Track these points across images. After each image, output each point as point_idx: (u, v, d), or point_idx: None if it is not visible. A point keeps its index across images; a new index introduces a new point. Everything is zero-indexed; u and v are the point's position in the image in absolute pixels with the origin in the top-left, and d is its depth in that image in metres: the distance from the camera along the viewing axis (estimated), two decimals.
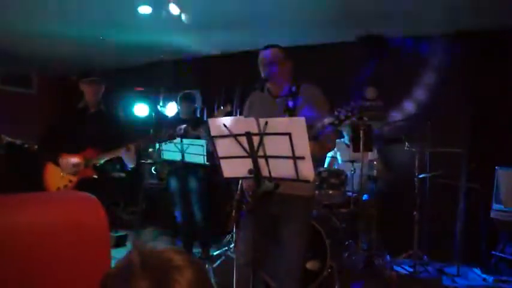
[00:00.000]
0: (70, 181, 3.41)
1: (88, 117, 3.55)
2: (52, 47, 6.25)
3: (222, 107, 4.80)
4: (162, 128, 4.02)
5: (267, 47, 2.73)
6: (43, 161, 3.50)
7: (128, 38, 5.80)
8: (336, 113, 2.26)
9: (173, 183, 4.78)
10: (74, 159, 3.39)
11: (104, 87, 3.61)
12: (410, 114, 5.22)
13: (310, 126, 2.18)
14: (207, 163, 4.27)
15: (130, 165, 3.44)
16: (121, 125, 3.76)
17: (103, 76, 3.63)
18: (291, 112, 2.59)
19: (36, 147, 3.96)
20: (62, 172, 3.41)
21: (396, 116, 5.30)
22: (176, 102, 5.19)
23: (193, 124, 4.55)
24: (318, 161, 4.62)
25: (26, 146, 5.02)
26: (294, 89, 2.68)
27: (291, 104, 2.63)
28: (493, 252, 4.30)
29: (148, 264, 0.82)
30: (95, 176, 3.42)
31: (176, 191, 4.78)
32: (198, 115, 6.06)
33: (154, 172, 4.75)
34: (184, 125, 4.57)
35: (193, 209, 4.73)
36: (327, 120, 2.30)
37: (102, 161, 3.43)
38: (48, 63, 7.15)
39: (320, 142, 2.51)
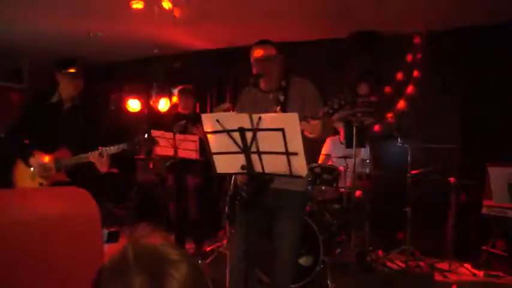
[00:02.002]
0: (40, 184, 3.15)
1: (62, 112, 3.23)
2: (43, 41, 6.19)
3: (221, 104, 4.79)
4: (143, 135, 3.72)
5: (259, 43, 2.72)
6: (14, 157, 3.20)
7: (120, 33, 5.76)
8: (329, 102, 2.26)
9: (170, 178, 4.77)
10: (45, 163, 3.11)
11: (83, 82, 3.25)
12: (402, 110, 5.24)
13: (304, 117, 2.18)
14: (202, 158, 4.25)
15: (103, 169, 3.12)
16: (96, 124, 3.44)
17: (85, 69, 3.26)
18: (282, 106, 2.58)
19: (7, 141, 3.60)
20: (32, 174, 3.13)
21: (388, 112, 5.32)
22: (176, 96, 5.10)
23: (193, 120, 4.47)
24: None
25: None
26: (283, 83, 2.68)
27: (282, 97, 2.62)
28: (484, 248, 4.34)
29: (143, 259, 0.82)
30: (68, 179, 3.16)
31: (172, 186, 4.77)
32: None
33: (152, 167, 4.73)
34: (184, 121, 4.53)
35: (188, 204, 4.72)
36: (321, 110, 2.29)
37: (72, 164, 3.15)
38: (38, 57, 7.08)
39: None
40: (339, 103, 2.22)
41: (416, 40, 5.16)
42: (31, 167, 3.13)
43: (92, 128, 3.31)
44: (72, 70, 3.18)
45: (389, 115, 5.29)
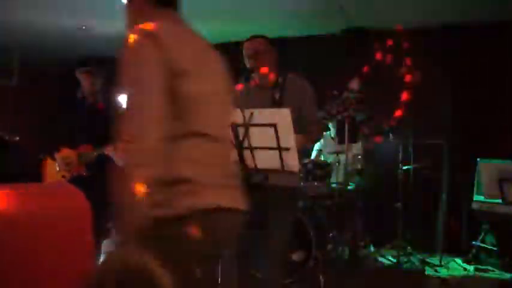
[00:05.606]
0: (63, 177, 3.32)
1: (86, 108, 3.43)
2: (33, 37, 6.12)
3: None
4: None
5: (251, 37, 2.71)
6: (43, 156, 3.38)
7: (113, 28, 5.70)
8: (327, 107, 2.27)
9: None
10: (67, 156, 3.29)
11: (102, 78, 3.47)
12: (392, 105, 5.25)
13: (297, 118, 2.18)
14: None
15: (120, 164, 3.31)
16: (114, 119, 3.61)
17: (100, 66, 3.47)
18: (278, 103, 2.57)
19: (17, 139, 3.78)
20: (57, 167, 3.31)
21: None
22: None
23: None
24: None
25: (7, 138, 4.90)
26: (280, 80, 2.67)
27: (277, 95, 2.61)
28: (474, 243, 4.38)
29: (123, 278, 0.81)
30: (84, 174, 3.30)
31: None
32: None
33: None
34: None
35: None
36: (318, 115, 2.31)
37: (94, 156, 3.27)
38: (28, 54, 7.00)
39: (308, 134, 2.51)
40: (337, 109, 2.23)
41: (406, 36, 5.17)
42: (55, 160, 3.32)
43: (109, 124, 3.38)
44: (87, 68, 3.40)
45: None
